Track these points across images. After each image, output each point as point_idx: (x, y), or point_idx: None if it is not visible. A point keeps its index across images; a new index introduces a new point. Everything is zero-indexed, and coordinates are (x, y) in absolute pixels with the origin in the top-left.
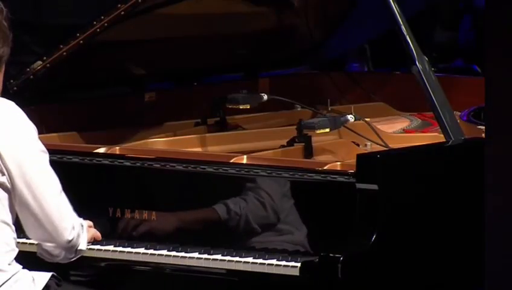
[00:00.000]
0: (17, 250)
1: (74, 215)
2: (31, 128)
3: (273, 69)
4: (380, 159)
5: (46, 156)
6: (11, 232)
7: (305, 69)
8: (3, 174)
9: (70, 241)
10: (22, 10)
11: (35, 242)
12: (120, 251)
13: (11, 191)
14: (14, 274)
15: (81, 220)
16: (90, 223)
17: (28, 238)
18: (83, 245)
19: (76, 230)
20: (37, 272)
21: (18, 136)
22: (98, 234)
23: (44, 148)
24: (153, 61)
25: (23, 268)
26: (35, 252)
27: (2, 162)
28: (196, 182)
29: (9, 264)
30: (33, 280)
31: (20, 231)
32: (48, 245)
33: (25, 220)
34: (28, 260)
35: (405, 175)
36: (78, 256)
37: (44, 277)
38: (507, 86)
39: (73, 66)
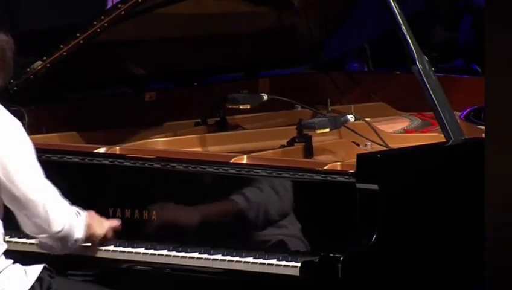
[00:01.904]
0: (6, 245)
1: (65, 205)
2: (13, 121)
3: (273, 69)
4: (380, 159)
5: (30, 149)
6: (0, 227)
7: (305, 69)
8: None
9: (59, 231)
10: None
11: (35, 242)
12: (120, 251)
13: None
14: (6, 268)
15: (75, 208)
16: (114, 222)
17: (19, 237)
18: (78, 234)
19: (67, 220)
20: (29, 266)
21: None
22: (108, 233)
23: (28, 141)
24: (153, 61)
25: (14, 263)
26: (29, 252)
27: None
28: (196, 182)
29: None
30: (25, 272)
31: (11, 230)
32: (42, 237)
33: (15, 213)
34: (27, 261)
35: (405, 175)
36: (77, 245)
37: (36, 269)
38: (507, 86)
39: (73, 66)
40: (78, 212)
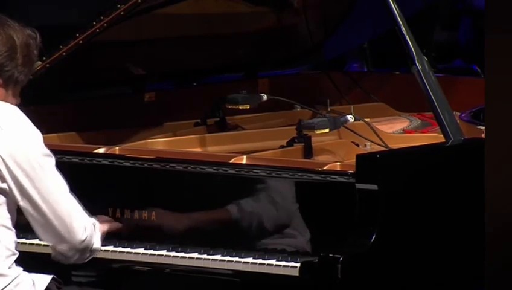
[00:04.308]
0: (17, 253)
1: (85, 215)
2: (35, 133)
3: (273, 69)
4: (379, 160)
5: (51, 160)
6: (12, 236)
7: (305, 69)
8: (4, 181)
9: (83, 241)
10: None
11: (35, 242)
12: (120, 251)
13: (20, 197)
14: (15, 278)
15: (93, 219)
16: (106, 218)
17: (27, 238)
18: (97, 244)
19: (88, 230)
20: (37, 274)
21: (23, 142)
22: (113, 226)
23: (49, 153)
24: (153, 61)
25: (22, 270)
26: (34, 253)
27: (6, 168)
28: (196, 182)
29: (9, 268)
30: (33, 283)
31: (19, 232)
32: (62, 247)
33: (36, 224)
34: (28, 260)
35: (405, 175)
36: (93, 255)
37: (44, 279)
38: (507, 86)
39: (73, 66)
40: (94, 223)
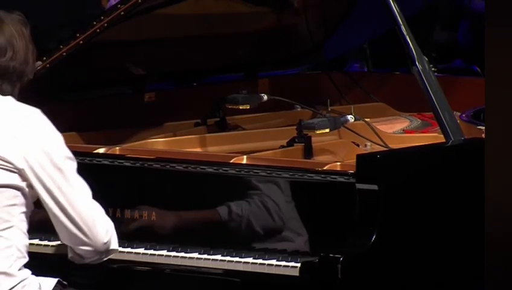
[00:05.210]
0: (27, 258)
1: (107, 218)
2: (57, 135)
3: (273, 69)
4: (379, 160)
5: (74, 163)
6: (25, 240)
7: (305, 69)
8: (24, 180)
9: (106, 243)
10: None
11: (35, 242)
12: (120, 251)
13: (45, 197)
14: (23, 280)
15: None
16: None
17: (31, 238)
18: (114, 245)
19: (110, 233)
20: (43, 277)
21: (46, 143)
22: None
23: (71, 156)
24: (153, 61)
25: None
26: (35, 253)
27: (30, 169)
28: (196, 182)
29: (19, 270)
30: (40, 286)
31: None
32: (83, 248)
33: (59, 225)
34: (31, 261)
35: (405, 175)
36: (110, 256)
37: (50, 283)
38: (507, 86)
39: (73, 66)
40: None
